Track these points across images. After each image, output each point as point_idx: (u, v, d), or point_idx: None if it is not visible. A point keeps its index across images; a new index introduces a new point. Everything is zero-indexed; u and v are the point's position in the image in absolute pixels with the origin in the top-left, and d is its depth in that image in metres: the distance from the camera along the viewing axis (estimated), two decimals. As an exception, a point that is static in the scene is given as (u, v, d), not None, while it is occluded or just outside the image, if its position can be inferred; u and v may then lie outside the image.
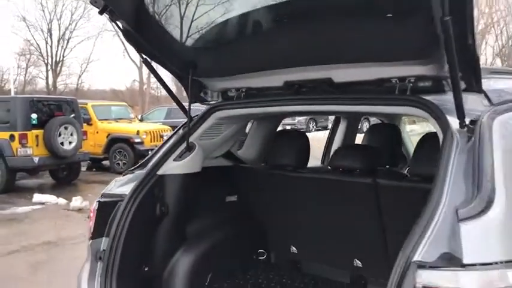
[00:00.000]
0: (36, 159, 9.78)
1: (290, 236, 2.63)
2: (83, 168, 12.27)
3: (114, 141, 12.58)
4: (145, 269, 2.23)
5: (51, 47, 51.48)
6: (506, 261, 1.18)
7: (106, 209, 2.12)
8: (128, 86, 40.90)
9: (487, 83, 1.71)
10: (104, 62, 60.62)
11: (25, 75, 50.34)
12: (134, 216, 2.10)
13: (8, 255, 5.83)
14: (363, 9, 1.53)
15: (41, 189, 10.08)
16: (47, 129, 9.93)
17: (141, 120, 15.66)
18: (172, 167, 2.29)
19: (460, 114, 1.45)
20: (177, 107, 2.41)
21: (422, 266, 1.21)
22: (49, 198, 9.15)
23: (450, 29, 1.27)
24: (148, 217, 2.21)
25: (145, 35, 2.02)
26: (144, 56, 2.13)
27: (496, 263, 1.17)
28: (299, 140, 2.66)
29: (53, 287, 4.72)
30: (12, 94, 25.25)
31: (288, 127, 27.27)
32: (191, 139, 2.32)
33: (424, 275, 1.20)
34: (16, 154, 9.65)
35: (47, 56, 51.54)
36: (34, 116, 9.91)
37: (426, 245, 1.24)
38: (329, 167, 2.56)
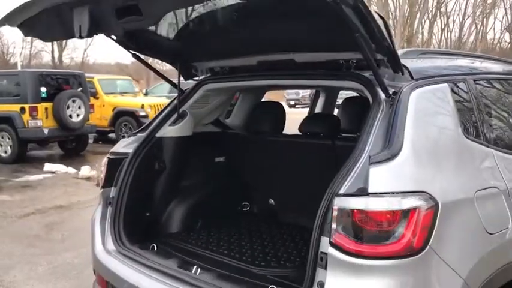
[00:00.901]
0: (46, 131, 10.23)
1: (268, 190, 3.10)
2: (90, 141, 12.75)
3: (120, 115, 12.98)
4: (147, 214, 2.72)
5: (56, 20, 51.15)
6: (401, 192, 1.65)
7: (114, 164, 2.59)
8: (133, 60, 41.27)
9: (414, 62, 2.14)
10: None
11: (30, 48, 50.41)
12: (137, 171, 2.57)
13: (24, 217, 6.37)
14: (315, 18, 1.95)
15: (51, 160, 10.57)
16: (56, 102, 10.35)
17: (146, 94, 16.00)
18: (168, 131, 2.76)
19: (383, 88, 1.89)
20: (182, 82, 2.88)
21: (338, 194, 1.68)
22: (59, 167, 9.65)
23: (361, 40, 1.73)
24: (148, 172, 2.68)
25: (136, 41, 2.43)
26: (133, 52, 2.58)
27: (393, 192, 1.64)
28: (276, 110, 3.15)
29: (66, 243, 5.22)
30: (19, 68, 25.63)
31: (292, 102, 27.55)
32: (184, 108, 2.79)
33: (338, 200, 1.67)
34: (27, 126, 10.09)
35: (52, 29, 51.44)
36: (43, 89, 10.34)
37: (348, 183, 1.70)
38: (300, 132, 3.03)
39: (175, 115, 2.78)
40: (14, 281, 4.16)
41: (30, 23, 2.18)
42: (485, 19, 34.99)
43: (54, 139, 11.23)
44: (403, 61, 2.05)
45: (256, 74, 2.52)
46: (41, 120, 10.26)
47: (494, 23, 37.79)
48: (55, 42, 50.33)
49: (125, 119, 12.89)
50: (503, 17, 36.94)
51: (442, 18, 39.00)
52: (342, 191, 1.67)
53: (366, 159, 1.73)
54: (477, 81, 2.38)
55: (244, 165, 3.16)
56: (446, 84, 2.12)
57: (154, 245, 2.49)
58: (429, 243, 1.65)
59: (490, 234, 1.89)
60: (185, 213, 2.82)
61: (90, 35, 2.04)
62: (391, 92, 1.92)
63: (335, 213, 1.66)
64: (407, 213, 1.63)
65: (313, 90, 4.51)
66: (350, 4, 1.60)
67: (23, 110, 10.09)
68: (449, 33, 41.15)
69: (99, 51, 63.87)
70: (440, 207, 1.70)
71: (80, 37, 2.03)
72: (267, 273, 2.12)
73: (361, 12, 1.64)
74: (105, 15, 2.02)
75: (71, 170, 9.51)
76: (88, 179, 8.78)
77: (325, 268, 1.66)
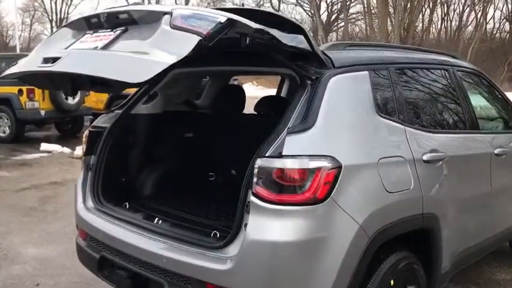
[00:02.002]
0: (43, 112, 10.63)
1: (230, 162, 3.57)
2: (86, 123, 13.20)
3: (115, 98, 13.40)
4: (123, 180, 3.19)
5: (55, 3, 51.34)
6: (310, 155, 2.11)
7: (94, 136, 3.05)
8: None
9: (338, 53, 2.58)
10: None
11: (29, 31, 50.59)
12: (113, 142, 3.03)
13: (21, 191, 6.85)
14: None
15: (48, 140, 11.01)
16: (52, 85, 10.79)
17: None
18: (140, 109, 3.22)
19: (307, 75, 2.33)
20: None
21: (261, 156, 2.14)
22: (55, 147, 10.11)
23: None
24: (124, 143, 3.13)
25: None
26: None
27: (301, 155, 2.11)
28: (237, 93, 3.63)
29: (59, 214, 5.70)
30: (18, 51, 25.93)
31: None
32: (155, 89, 3.26)
33: (260, 161, 2.13)
34: (24, 107, 10.49)
35: (52, 12, 51.64)
36: (40, 72, 10.75)
37: (270, 148, 2.16)
38: (255, 112, 3.50)
39: (147, 96, 3.24)
40: (11, 244, 4.65)
41: (25, 78, 2.67)
42: (485, 8, 35.14)
43: (50, 120, 11.65)
44: (329, 52, 2.50)
45: (218, 60, 2.94)
46: (38, 102, 10.63)
47: (494, 12, 37.85)
48: (54, 25, 50.43)
49: (119, 102, 13.21)
50: (503, 7, 37.11)
51: (442, 7, 39.12)
52: (263, 154, 2.14)
53: (285, 131, 2.19)
54: (398, 69, 2.83)
55: (210, 141, 3.62)
56: (366, 72, 2.57)
57: (127, 203, 2.96)
58: (331, 195, 2.12)
59: (389, 192, 2.36)
60: (156, 180, 3.29)
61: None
62: (314, 78, 2.36)
63: (256, 170, 2.12)
64: (313, 172, 2.10)
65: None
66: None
67: (20, 92, 10.48)
68: (449, 22, 41.38)
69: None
70: (343, 168, 2.16)
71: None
72: (215, 224, 2.59)
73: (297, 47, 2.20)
74: (83, 82, 2.52)
75: (67, 150, 9.96)
76: (82, 158, 9.25)
77: (249, 213, 2.13)
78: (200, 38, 1.91)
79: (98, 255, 2.71)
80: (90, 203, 2.92)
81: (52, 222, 5.42)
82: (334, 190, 2.13)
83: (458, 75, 3.35)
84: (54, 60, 2.24)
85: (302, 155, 2.11)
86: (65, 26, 2.65)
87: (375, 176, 2.32)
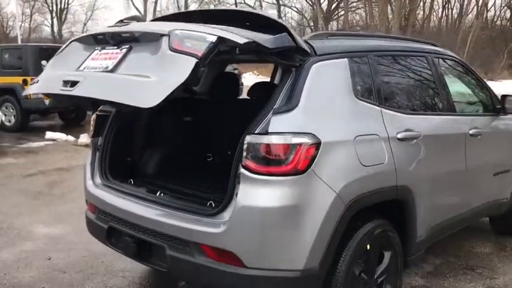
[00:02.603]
0: (47, 102, 10.88)
1: (227, 143, 3.85)
2: (89, 112, 13.49)
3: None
4: (128, 159, 3.49)
5: (55, -7, 51.27)
6: (292, 132, 2.41)
7: (101, 119, 3.33)
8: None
9: (321, 42, 2.86)
10: (109, 10, 60.39)
11: (30, 22, 50.64)
12: (119, 124, 3.32)
13: (28, 177, 7.17)
14: None
15: (52, 129, 11.32)
16: (56, 75, 11.06)
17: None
18: None
19: (291, 62, 2.60)
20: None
21: (249, 133, 2.43)
22: (60, 135, 10.42)
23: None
24: (128, 125, 3.42)
25: None
26: None
27: (285, 132, 2.40)
28: (232, 80, 3.92)
29: (66, 197, 6.01)
30: (19, 42, 26.11)
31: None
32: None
33: (249, 137, 2.41)
34: (29, 97, 10.80)
35: (52, 3, 51.68)
36: (44, 62, 11.01)
37: (258, 126, 2.45)
38: (248, 97, 3.78)
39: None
40: (23, 224, 4.96)
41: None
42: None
43: (54, 110, 11.93)
44: (312, 41, 2.78)
45: None
46: (42, 92, 10.91)
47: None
48: (55, 16, 50.50)
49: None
50: (504, -6, 37.12)
51: (444, -6, 39.11)
52: (252, 132, 2.44)
53: (272, 111, 2.48)
54: (377, 56, 3.11)
55: (207, 124, 3.91)
56: (346, 59, 2.84)
57: (132, 180, 3.26)
58: (311, 167, 2.41)
59: (364, 166, 2.65)
60: (158, 160, 3.58)
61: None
62: (298, 65, 2.65)
63: (245, 146, 2.42)
64: (295, 147, 2.39)
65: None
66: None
67: (25, 81, 10.77)
68: (450, 10, 41.38)
69: (99, 26, 63.74)
70: (322, 144, 2.45)
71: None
72: (211, 196, 2.89)
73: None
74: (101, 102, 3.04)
75: (71, 138, 10.27)
76: (86, 146, 9.46)
77: (239, 183, 2.43)
78: (196, 59, 2.27)
79: (106, 225, 3.01)
80: (98, 180, 3.22)
81: (60, 204, 5.74)
82: (314, 163, 2.42)
83: (436, 61, 3.63)
84: (73, 84, 2.59)
85: (286, 132, 2.40)
86: (74, 40, 3.01)
87: (351, 151, 2.61)
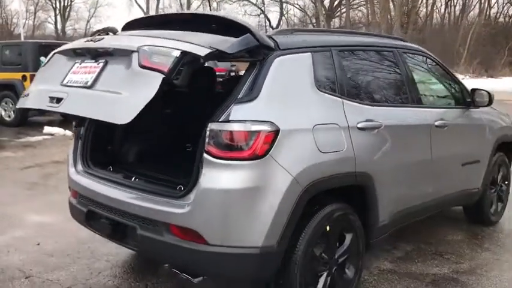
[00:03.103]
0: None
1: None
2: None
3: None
4: (109, 148, 3.70)
5: (58, -10, 51.58)
6: (252, 120, 2.61)
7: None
8: (134, 31, 41.72)
9: (285, 38, 3.04)
10: (112, 8, 60.67)
11: (34, 19, 50.98)
12: None
13: (25, 169, 7.40)
14: None
15: (50, 124, 11.54)
16: (55, 71, 11.30)
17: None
18: None
19: (259, 56, 2.80)
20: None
21: (212, 121, 2.62)
22: (57, 130, 10.66)
23: None
24: None
25: None
26: None
27: (245, 120, 2.59)
28: (209, 74, 4.13)
29: (60, 188, 6.20)
30: (22, 39, 26.41)
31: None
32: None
33: (212, 125, 2.59)
34: (28, 93, 11.06)
35: (55, 0, 51.98)
36: (43, 58, 11.25)
37: (222, 116, 2.65)
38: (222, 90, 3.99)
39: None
40: (16, 212, 5.19)
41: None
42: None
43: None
44: (276, 37, 2.97)
45: None
46: (41, 88, 11.15)
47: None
48: (58, 13, 50.82)
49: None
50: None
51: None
52: (214, 119, 2.64)
53: (234, 102, 2.68)
54: (341, 51, 3.30)
55: (187, 116, 4.12)
56: (309, 53, 3.04)
57: (111, 167, 3.47)
58: (269, 153, 2.61)
59: (322, 152, 2.84)
60: (138, 149, 3.79)
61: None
62: (262, 59, 2.84)
63: (208, 133, 2.63)
64: (254, 133, 2.59)
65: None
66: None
67: (24, 77, 11.01)
68: (452, 8, 41.41)
69: (102, 23, 64.05)
70: (280, 131, 2.65)
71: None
72: (182, 181, 3.08)
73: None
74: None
75: (68, 132, 10.48)
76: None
77: (202, 168, 2.63)
78: (163, 75, 2.50)
79: (86, 209, 3.23)
80: (80, 167, 3.43)
81: (53, 194, 5.97)
82: (272, 149, 2.62)
83: (404, 56, 3.82)
84: (58, 100, 2.86)
85: (246, 120, 2.60)
86: (56, 52, 3.25)
87: (310, 139, 2.80)
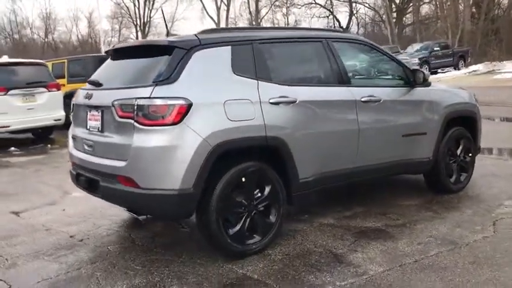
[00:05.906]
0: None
1: None
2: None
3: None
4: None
5: (138, 8, 55.28)
6: (169, 97, 3.56)
7: (77, 107, 4.67)
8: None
9: (207, 35, 3.92)
10: (188, 21, 63.78)
11: (119, 37, 55.06)
12: None
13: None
14: None
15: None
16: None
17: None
18: None
19: (188, 48, 3.77)
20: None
21: (138, 98, 3.59)
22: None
23: None
24: None
25: None
26: None
27: (164, 97, 3.57)
28: None
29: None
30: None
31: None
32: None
33: (139, 101, 3.58)
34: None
35: (136, 17, 55.82)
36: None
37: (147, 93, 3.63)
38: None
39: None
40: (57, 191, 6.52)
41: None
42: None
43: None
44: (199, 35, 3.92)
45: None
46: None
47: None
48: (138, 29, 54.34)
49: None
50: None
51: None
52: (141, 97, 3.62)
53: (156, 83, 3.65)
54: (262, 43, 4.13)
55: None
56: (229, 47, 3.94)
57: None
58: (183, 120, 3.54)
59: (231, 120, 3.69)
60: None
61: None
62: (185, 52, 3.79)
63: (136, 106, 3.61)
64: (171, 106, 3.54)
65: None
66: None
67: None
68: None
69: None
70: (193, 105, 3.57)
71: None
72: None
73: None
74: None
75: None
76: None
77: (134, 134, 3.63)
78: (133, 121, 3.64)
79: (75, 172, 4.37)
80: (72, 144, 4.59)
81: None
82: (186, 117, 3.55)
83: (333, 45, 4.56)
84: (89, 146, 4.26)
85: (165, 97, 3.57)
86: (75, 104, 4.59)
87: (220, 110, 3.68)
